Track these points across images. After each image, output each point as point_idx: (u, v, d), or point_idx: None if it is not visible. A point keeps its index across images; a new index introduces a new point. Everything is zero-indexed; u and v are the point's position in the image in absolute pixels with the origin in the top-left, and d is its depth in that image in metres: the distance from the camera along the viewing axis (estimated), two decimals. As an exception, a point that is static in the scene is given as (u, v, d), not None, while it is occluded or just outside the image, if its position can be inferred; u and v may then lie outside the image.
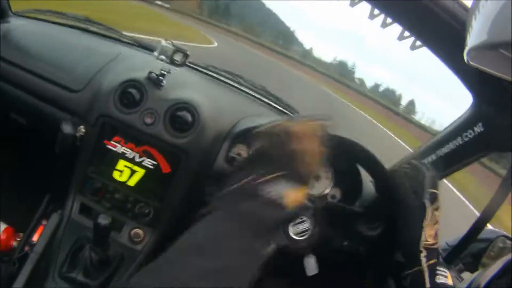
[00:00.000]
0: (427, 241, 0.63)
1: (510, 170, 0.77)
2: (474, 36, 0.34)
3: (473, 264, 0.90)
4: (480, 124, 0.78)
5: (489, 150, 0.80)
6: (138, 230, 0.94)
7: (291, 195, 0.48)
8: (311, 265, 0.72)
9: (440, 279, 0.62)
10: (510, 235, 0.91)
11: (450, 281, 0.63)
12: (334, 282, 0.79)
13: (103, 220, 0.80)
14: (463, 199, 7.81)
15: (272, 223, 0.47)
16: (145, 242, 0.93)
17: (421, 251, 0.61)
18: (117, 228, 0.94)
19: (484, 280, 0.45)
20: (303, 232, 0.68)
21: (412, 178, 0.67)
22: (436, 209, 0.65)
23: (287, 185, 0.49)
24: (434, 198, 0.65)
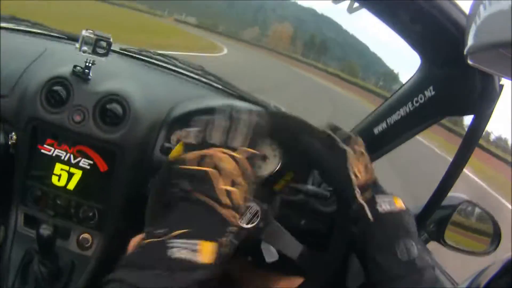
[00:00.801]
0: (357, 176, 0.60)
1: (467, 133, 0.73)
2: (474, 36, 0.34)
3: (438, 232, 0.86)
4: (430, 87, 0.73)
5: (441, 115, 0.75)
6: (86, 235, 0.89)
7: (206, 248, 0.42)
8: (269, 251, 0.68)
9: (384, 207, 0.59)
10: (472, 200, 0.87)
11: (399, 205, 0.60)
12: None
13: (45, 230, 0.76)
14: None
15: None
16: (94, 247, 0.89)
17: (356, 191, 0.58)
18: (64, 235, 0.89)
19: (484, 280, 0.42)
20: (253, 217, 0.64)
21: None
22: (356, 143, 0.64)
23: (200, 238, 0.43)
24: (348, 139, 0.64)
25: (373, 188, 0.63)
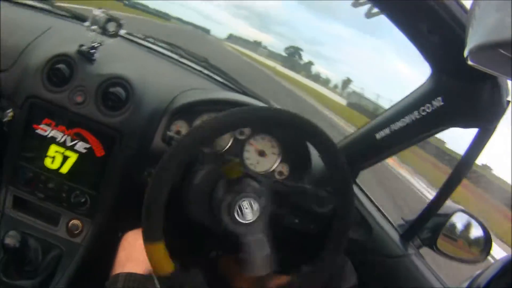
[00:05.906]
0: None
1: (470, 145, 0.73)
2: (474, 36, 0.33)
3: (431, 239, 0.87)
4: (439, 98, 0.73)
5: (446, 126, 0.75)
6: (76, 221, 0.86)
7: None
8: None
9: None
10: (467, 210, 0.88)
11: None
12: (287, 261, 0.75)
13: (11, 239, 0.71)
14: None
15: None
16: (84, 234, 0.86)
17: None
18: (53, 220, 0.86)
19: (484, 280, 0.43)
20: (250, 213, 0.63)
21: None
22: None
23: None
24: None
25: None
